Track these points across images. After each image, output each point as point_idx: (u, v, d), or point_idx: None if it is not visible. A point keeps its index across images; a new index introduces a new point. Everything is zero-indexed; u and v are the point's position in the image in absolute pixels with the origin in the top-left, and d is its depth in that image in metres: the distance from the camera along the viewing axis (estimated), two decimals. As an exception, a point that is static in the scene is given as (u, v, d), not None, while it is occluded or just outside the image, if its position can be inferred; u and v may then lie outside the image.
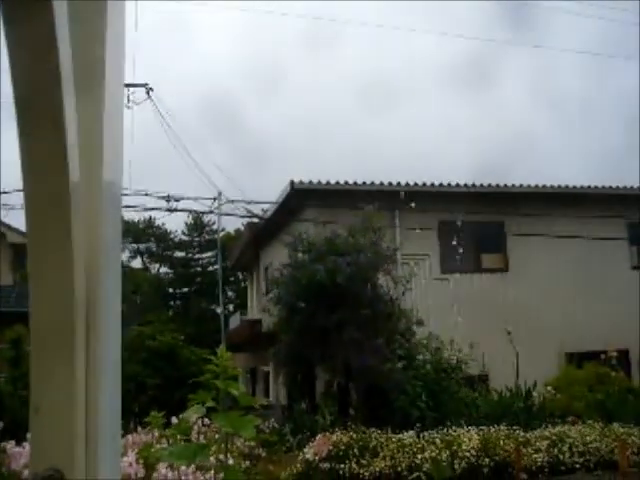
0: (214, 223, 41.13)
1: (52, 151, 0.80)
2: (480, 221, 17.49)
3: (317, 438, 8.76)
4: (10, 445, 7.15)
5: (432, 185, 17.36)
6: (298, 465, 8.94)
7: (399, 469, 8.58)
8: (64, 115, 0.78)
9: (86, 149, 0.84)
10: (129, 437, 8.95)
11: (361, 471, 8.73)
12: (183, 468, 6.00)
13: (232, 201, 20.15)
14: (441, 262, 17.45)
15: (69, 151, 0.79)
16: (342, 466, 8.84)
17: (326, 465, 8.75)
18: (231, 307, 39.44)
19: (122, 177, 0.93)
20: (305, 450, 9.31)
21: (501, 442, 9.47)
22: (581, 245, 17.70)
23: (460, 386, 12.30)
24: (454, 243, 17.01)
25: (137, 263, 46.50)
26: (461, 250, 17.57)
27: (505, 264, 18.24)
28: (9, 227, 21.50)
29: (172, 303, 44.69)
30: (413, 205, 14.65)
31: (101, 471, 0.78)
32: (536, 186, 18.08)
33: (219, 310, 31.83)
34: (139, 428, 10.32)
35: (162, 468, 5.84)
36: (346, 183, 16.81)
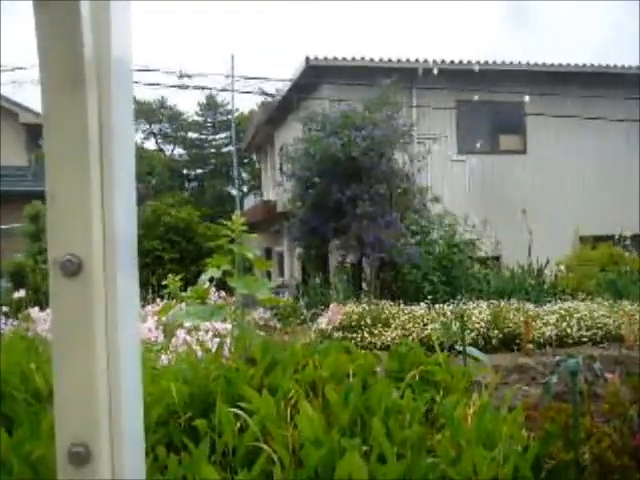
0: (227, 103, 40.55)
1: (66, 24, 0.74)
2: (500, 101, 17.08)
3: (331, 306, 8.98)
4: (34, 311, 7.40)
5: (451, 62, 16.83)
6: (312, 334, 9.20)
7: (410, 339, 8.82)
8: None
9: (94, 24, 0.77)
10: (148, 307, 9.23)
11: (373, 340, 9.01)
12: (201, 333, 6.18)
13: (246, 78, 19.68)
14: (458, 142, 17.21)
15: (83, 24, 0.74)
16: (355, 335, 9.11)
17: (339, 334, 9.02)
18: (245, 189, 39.57)
19: (132, 53, 0.87)
20: (319, 320, 9.58)
21: (511, 315, 9.68)
22: (602, 128, 17.32)
23: (473, 262, 12.46)
24: (472, 123, 16.70)
25: (151, 144, 46.36)
26: (479, 130, 17.29)
27: (523, 146, 17.97)
28: (21, 106, 21.26)
29: (187, 185, 44.84)
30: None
31: (118, 260, 0.76)
32: (560, 64, 17.48)
33: (234, 191, 31.95)
34: (157, 300, 10.62)
35: (181, 333, 6.01)
36: (362, 59, 16.34)
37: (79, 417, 0.75)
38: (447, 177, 16.35)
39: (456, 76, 16.34)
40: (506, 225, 15.14)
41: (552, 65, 17.40)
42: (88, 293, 0.75)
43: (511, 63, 17.12)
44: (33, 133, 20.99)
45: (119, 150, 0.78)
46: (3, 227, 15.03)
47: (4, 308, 7.98)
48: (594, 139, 17.70)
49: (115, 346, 0.77)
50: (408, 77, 15.49)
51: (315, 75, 16.06)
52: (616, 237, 15.26)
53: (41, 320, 6.81)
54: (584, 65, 17.57)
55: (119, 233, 0.77)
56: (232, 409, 2.67)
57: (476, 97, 15.53)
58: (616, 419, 3.14)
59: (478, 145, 17.19)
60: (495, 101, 16.87)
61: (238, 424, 2.63)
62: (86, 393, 0.75)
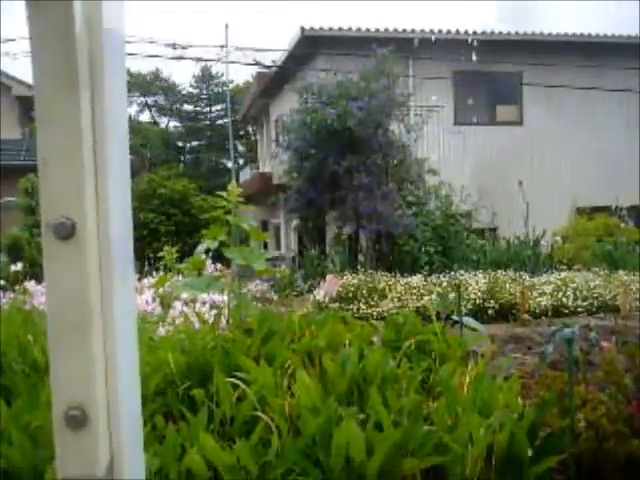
0: (222, 75, 40.24)
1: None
2: (497, 71, 16.95)
3: (327, 278, 8.99)
4: (30, 284, 7.42)
5: (448, 32, 16.67)
6: (309, 306, 9.22)
7: (406, 309, 8.85)
8: None
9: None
10: (145, 280, 9.24)
11: (369, 311, 9.03)
12: (198, 305, 6.19)
13: (241, 49, 19.51)
14: (455, 113, 17.11)
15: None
16: (351, 306, 9.14)
17: (336, 305, 9.03)
18: (241, 161, 39.41)
19: (124, 24, 0.85)
20: (315, 292, 9.60)
21: (507, 286, 9.71)
22: (600, 98, 17.22)
23: (469, 233, 12.48)
24: (469, 94, 16.60)
25: (145, 117, 46.06)
26: (476, 102, 17.18)
27: (520, 117, 17.88)
28: (14, 79, 21.02)
29: (182, 157, 44.66)
30: None
31: (111, 223, 0.76)
32: (557, 34, 17.32)
33: (230, 164, 31.81)
34: (154, 272, 10.63)
35: (178, 305, 6.02)
36: (358, 29, 16.19)
37: (75, 381, 0.75)
38: (444, 148, 16.30)
39: (453, 46, 16.19)
40: (503, 196, 15.12)
41: (550, 35, 17.25)
42: (82, 256, 0.74)
43: (508, 33, 16.97)
44: (26, 106, 20.79)
45: (111, 114, 0.77)
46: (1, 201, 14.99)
47: (1, 282, 7.99)
48: (592, 110, 17.60)
49: (110, 309, 0.77)
50: (404, 47, 15.35)
51: (311, 45, 15.92)
52: (613, 208, 15.26)
53: (38, 293, 6.82)
54: (582, 35, 17.41)
55: (112, 197, 0.76)
56: (230, 379, 2.68)
57: (473, 67, 15.41)
58: (611, 387, 3.17)
59: (475, 116, 17.10)
60: (492, 71, 16.75)
61: (236, 394, 2.64)
62: (82, 357, 0.75)
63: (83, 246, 0.74)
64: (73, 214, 0.74)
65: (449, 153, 16.31)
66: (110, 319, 0.76)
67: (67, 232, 0.73)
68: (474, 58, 14.11)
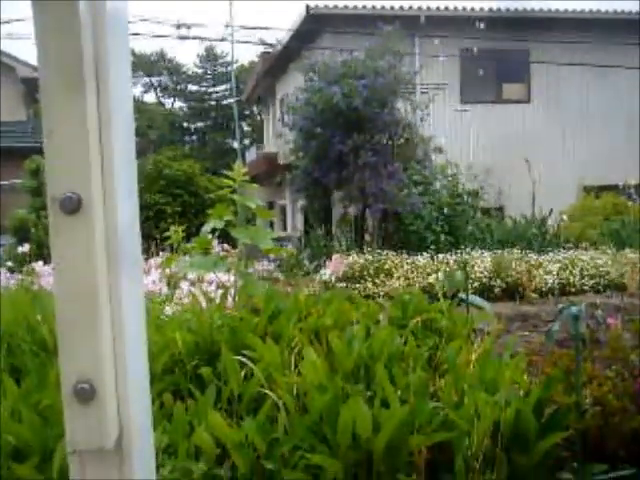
0: (227, 54, 40.01)
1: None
2: (504, 49, 16.79)
3: (333, 257, 8.98)
4: (38, 265, 7.45)
5: (455, 9, 16.52)
6: (316, 285, 9.23)
7: (413, 288, 8.85)
8: None
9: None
10: (151, 261, 9.26)
11: (376, 290, 9.04)
12: (205, 284, 6.20)
13: (245, 28, 19.36)
14: (461, 91, 16.99)
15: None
16: (358, 286, 9.14)
17: (342, 285, 9.05)
18: (247, 141, 39.28)
19: (127, 5, 0.85)
20: (322, 271, 9.60)
21: (513, 264, 9.69)
22: (608, 76, 17.05)
23: (475, 212, 12.45)
24: (476, 72, 16.46)
25: (150, 98, 45.90)
26: (483, 79, 17.04)
27: (527, 95, 17.74)
28: (18, 60, 20.91)
29: (188, 138, 44.54)
30: None
31: (118, 198, 0.76)
32: (565, 10, 17.12)
33: (235, 144, 31.74)
34: (160, 253, 10.64)
35: (185, 285, 6.04)
36: (363, 7, 16.04)
37: (84, 355, 0.76)
38: (450, 127, 16.20)
39: (460, 24, 16.04)
40: (509, 175, 15.05)
41: (557, 11, 17.06)
42: (89, 231, 0.74)
43: (516, 10, 16.78)
44: (31, 88, 20.71)
45: (116, 95, 0.77)
46: (4, 183, 14.99)
47: (9, 263, 8.03)
48: (600, 88, 17.44)
49: (118, 285, 0.77)
50: (411, 25, 15.20)
51: (316, 24, 15.80)
52: (621, 186, 15.16)
53: (45, 274, 6.86)
54: (590, 11, 17.22)
55: (118, 175, 0.76)
56: (237, 357, 2.69)
57: (480, 45, 15.28)
58: (617, 364, 3.17)
59: (481, 94, 16.97)
60: (499, 49, 16.59)
61: (243, 372, 2.66)
62: (90, 331, 0.75)
63: (90, 221, 0.74)
64: (79, 189, 0.74)
65: (456, 131, 16.21)
66: (117, 295, 0.76)
67: (73, 206, 0.73)
68: (480, 39, 13.93)
